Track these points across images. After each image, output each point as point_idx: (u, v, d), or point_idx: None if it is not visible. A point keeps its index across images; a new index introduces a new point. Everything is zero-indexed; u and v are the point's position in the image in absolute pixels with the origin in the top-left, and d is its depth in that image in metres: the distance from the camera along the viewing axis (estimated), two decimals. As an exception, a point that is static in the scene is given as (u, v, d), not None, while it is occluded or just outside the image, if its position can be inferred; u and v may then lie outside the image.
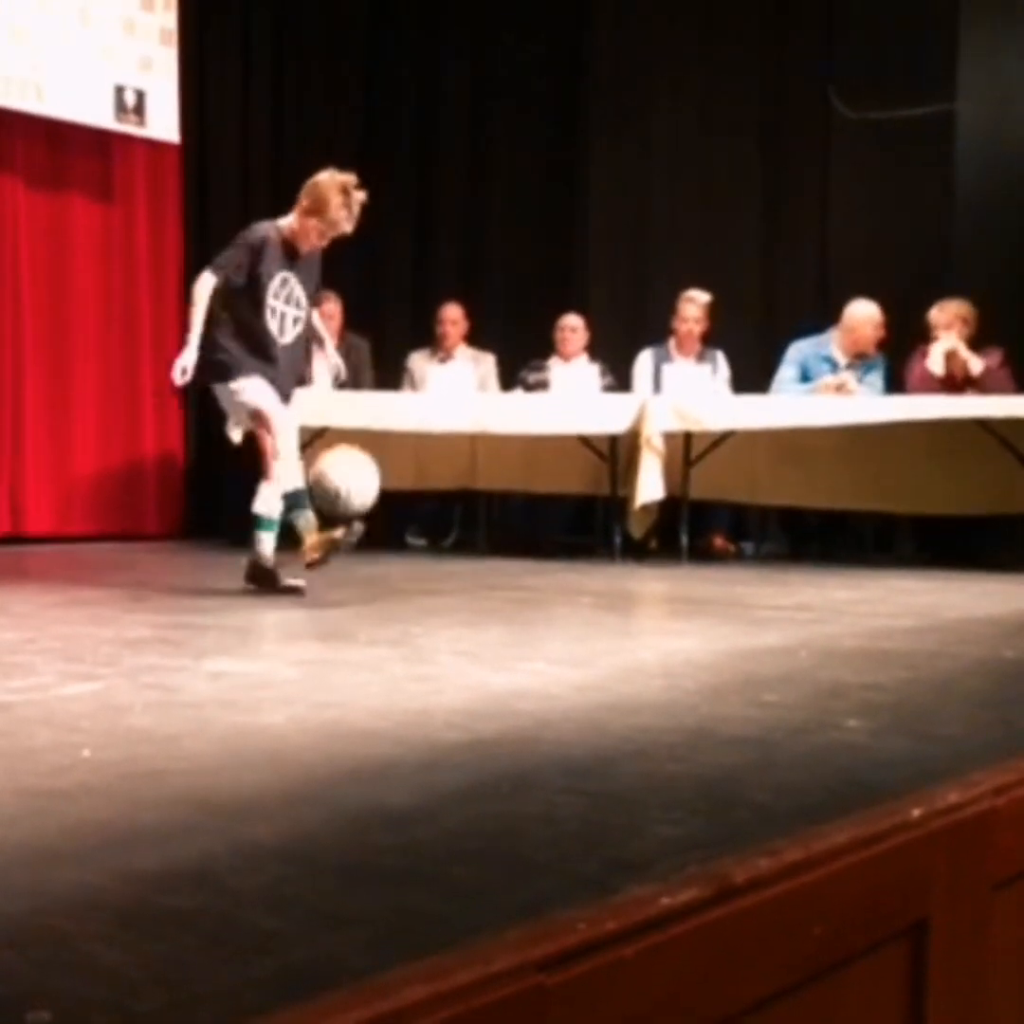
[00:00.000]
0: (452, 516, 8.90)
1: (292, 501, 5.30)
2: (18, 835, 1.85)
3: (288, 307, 5.33)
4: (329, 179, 5.20)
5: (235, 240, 5.31)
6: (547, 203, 9.69)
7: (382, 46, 9.83)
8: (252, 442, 7.87)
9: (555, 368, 8.20)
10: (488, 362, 8.63)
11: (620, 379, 8.18)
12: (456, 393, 7.82)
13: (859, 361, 7.75)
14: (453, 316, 8.65)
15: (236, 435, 7.64)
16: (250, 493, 8.49)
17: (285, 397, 5.39)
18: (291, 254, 5.31)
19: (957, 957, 1.89)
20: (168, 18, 8.54)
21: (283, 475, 5.31)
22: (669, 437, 7.28)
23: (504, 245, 9.72)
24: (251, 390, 5.28)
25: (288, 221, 5.32)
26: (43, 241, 8.14)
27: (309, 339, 5.63)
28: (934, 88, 8.20)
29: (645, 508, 7.38)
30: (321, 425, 7.07)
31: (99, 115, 8.20)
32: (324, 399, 7.39)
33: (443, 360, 8.50)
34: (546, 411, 7.58)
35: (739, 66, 9.05)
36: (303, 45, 9.45)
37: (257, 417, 5.32)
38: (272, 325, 5.28)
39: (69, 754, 2.34)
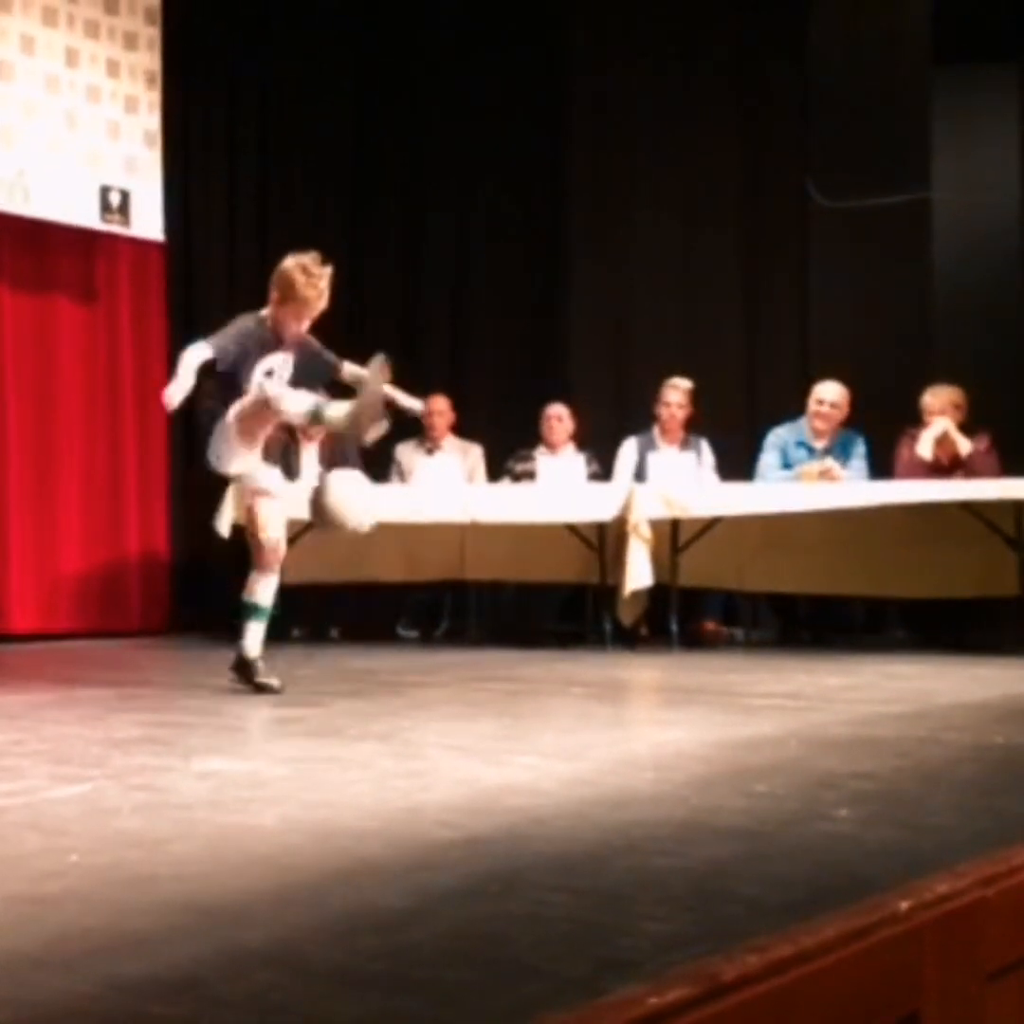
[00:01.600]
0: (442, 607, 8.90)
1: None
2: (5, 943, 1.84)
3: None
4: (291, 263, 5.22)
5: (227, 325, 5.34)
6: (531, 294, 9.77)
7: (367, 143, 9.95)
8: (241, 535, 7.92)
9: (541, 458, 8.24)
10: (475, 453, 8.67)
11: (606, 468, 8.21)
12: (444, 484, 7.85)
13: (831, 443, 7.82)
14: (439, 407, 8.69)
15: (224, 529, 7.68)
16: (236, 587, 8.52)
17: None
18: (278, 342, 5.32)
19: (950, 1051, 1.88)
20: (151, 120, 8.65)
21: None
22: (656, 524, 7.31)
23: (489, 336, 9.79)
24: (249, 471, 5.30)
25: (267, 312, 5.34)
26: (28, 340, 8.19)
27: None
28: (910, 177, 8.32)
29: (635, 595, 7.39)
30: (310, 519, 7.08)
31: (84, 216, 8.29)
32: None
33: (430, 451, 8.53)
34: (534, 501, 7.61)
35: (718, 157, 9.18)
36: (287, 144, 9.55)
37: (255, 495, 5.36)
38: None
39: (57, 859, 2.33)
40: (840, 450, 7.79)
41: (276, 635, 7.70)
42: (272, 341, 5.31)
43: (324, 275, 5.19)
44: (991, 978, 1.99)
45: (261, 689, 5.19)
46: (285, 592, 7.84)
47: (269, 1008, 1.56)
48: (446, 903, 2.04)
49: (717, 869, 2.25)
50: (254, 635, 5.34)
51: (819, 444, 7.85)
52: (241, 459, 5.27)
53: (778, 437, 7.96)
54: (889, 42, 8.63)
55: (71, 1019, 1.52)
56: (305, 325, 5.33)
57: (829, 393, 7.83)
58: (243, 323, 5.32)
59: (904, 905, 1.84)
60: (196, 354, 5.17)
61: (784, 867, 2.26)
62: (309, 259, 5.21)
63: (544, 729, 4.34)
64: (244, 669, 5.28)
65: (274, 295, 5.26)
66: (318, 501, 5.27)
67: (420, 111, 9.99)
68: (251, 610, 5.38)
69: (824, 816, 2.68)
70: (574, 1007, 1.46)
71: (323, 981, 1.67)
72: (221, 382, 5.28)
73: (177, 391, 5.16)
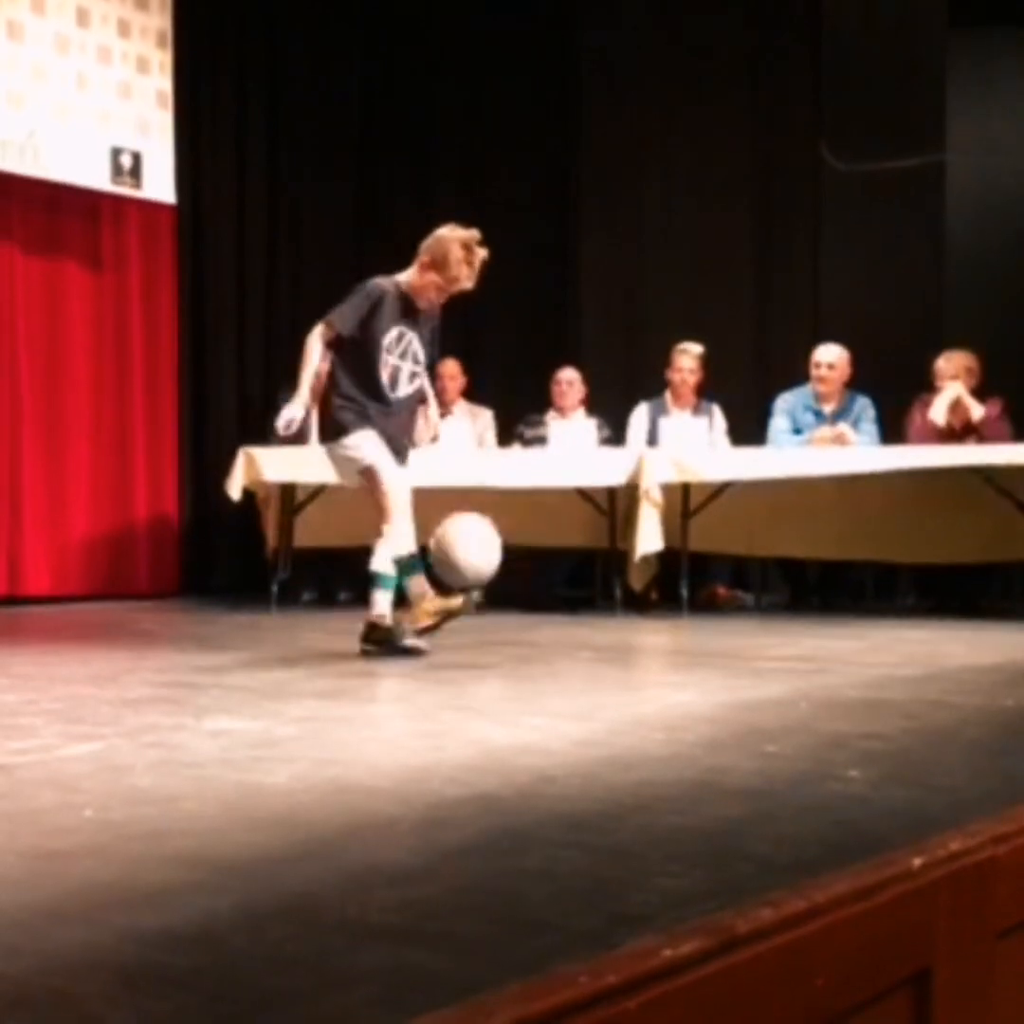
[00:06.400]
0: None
1: (407, 565, 5.16)
2: (21, 896, 1.85)
3: (404, 362, 5.25)
4: (451, 234, 5.15)
5: (351, 294, 5.24)
6: (543, 258, 9.74)
7: (377, 108, 9.91)
8: (251, 500, 7.93)
9: (552, 422, 8.23)
10: (485, 417, 8.66)
11: (617, 433, 8.20)
12: (454, 448, 7.83)
13: (839, 406, 7.81)
14: (450, 371, 8.68)
15: (235, 493, 7.68)
16: (246, 551, 8.55)
17: (399, 455, 5.27)
18: (408, 309, 5.25)
19: (960, 1007, 1.89)
20: (164, 81, 8.63)
21: (397, 537, 5.16)
22: (667, 489, 7.30)
23: (501, 300, 9.75)
24: (365, 446, 5.16)
25: (406, 276, 5.26)
26: (40, 302, 8.19)
27: (420, 399, 5.47)
28: (924, 140, 8.29)
29: (645, 560, 7.39)
30: (321, 482, 7.10)
31: (95, 177, 8.27)
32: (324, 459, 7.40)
33: (441, 416, 8.51)
34: (544, 465, 7.61)
35: (731, 122, 9.13)
36: (297, 105, 9.53)
37: (368, 474, 5.18)
38: (384, 378, 5.20)
39: (71, 815, 2.34)
40: (848, 413, 7.78)
41: (286, 599, 7.77)
42: (403, 307, 5.24)
43: (481, 256, 5.12)
44: (1001, 936, 1.99)
45: (407, 652, 5.09)
46: (295, 556, 7.90)
47: (284, 960, 1.57)
48: (458, 859, 2.05)
49: (728, 827, 2.25)
50: (384, 603, 5.19)
51: (827, 408, 7.84)
52: (365, 434, 5.19)
53: (786, 402, 7.95)
54: (904, 4, 8.58)
55: (88, 970, 1.53)
56: (444, 298, 5.28)
57: (826, 355, 7.83)
58: (376, 286, 5.23)
59: (917, 862, 1.85)
60: (317, 345, 5.11)
61: (794, 826, 2.26)
62: (471, 237, 5.13)
63: (554, 691, 4.34)
64: (383, 638, 5.16)
65: (424, 259, 5.18)
66: (441, 550, 5.17)
67: (431, 75, 9.95)
68: (377, 579, 5.22)
69: (834, 776, 2.68)
70: (588, 959, 1.47)
71: (337, 934, 1.68)
72: (347, 341, 5.19)
73: (295, 415, 5.07)
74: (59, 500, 8.28)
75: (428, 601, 5.11)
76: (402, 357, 5.25)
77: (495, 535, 5.27)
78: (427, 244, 5.21)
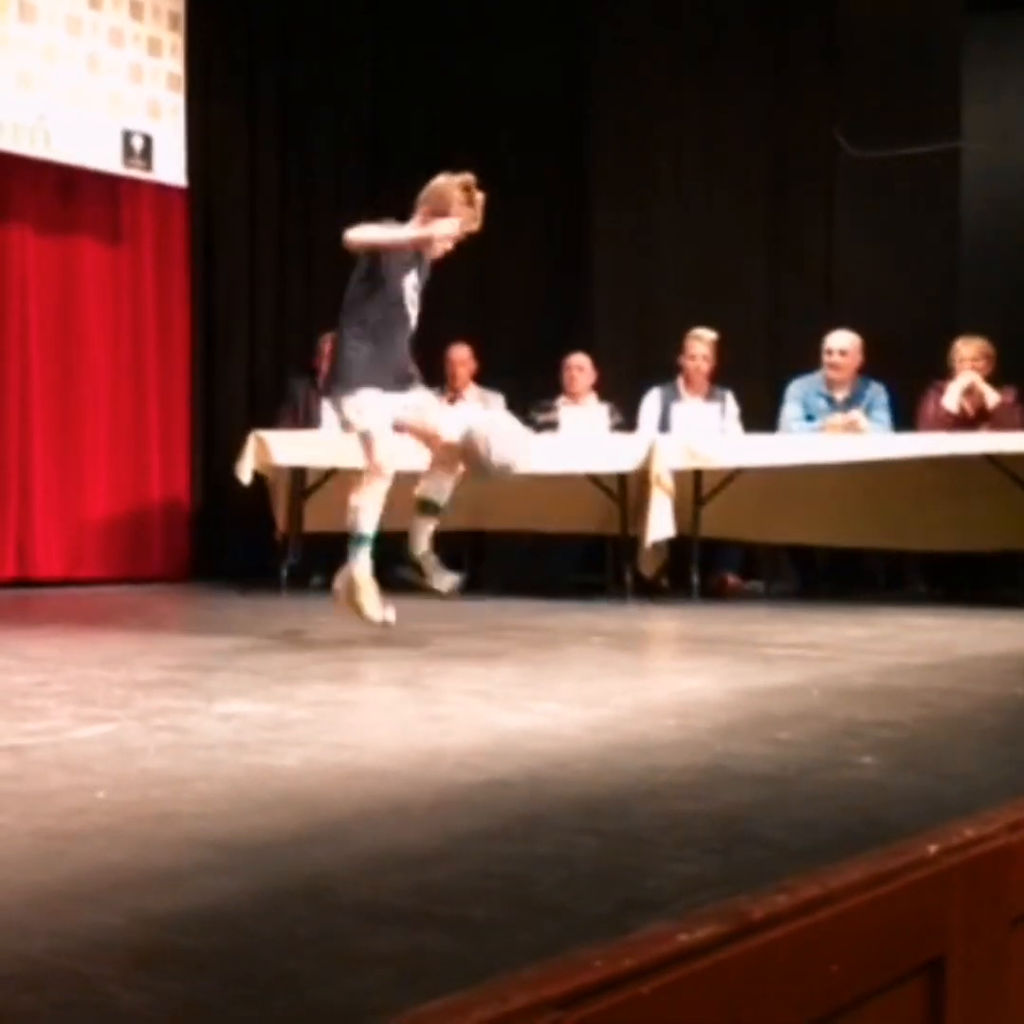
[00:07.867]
0: (461, 557, 8.89)
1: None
2: (34, 877, 1.85)
3: (413, 309, 5.28)
4: (447, 181, 5.17)
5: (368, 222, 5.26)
6: (554, 242, 9.72)
7: (388, 87, 9.89)
8: (261, 484, 7.93)
9: (564, 408, 8.21)
10: (497, 402, 8.64)
11: (628, 418, 8.19)
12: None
13: (851, 393, 7.79)
14: (461, 356, 8.67)
15: (245, 476, 7.68)
16: (256, 535, 8.54)
17: (402, 384, 5.21)
18: (419, 258, 5.28)
19: (974, 994, 1.88)
20: (175, 63, 8.61)
21: (361, 512, 5.12)
22: (679, 476, 7.29)
23: (512, 285, 9.74)
24: (367, 411, 5.10)
25: (413, 225, 5.25)
26: (52, 286, 8.18)
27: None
28: (939, 127, 8.25)
29: (656, 547, 7.38)
30: (331, 465, 7.10)
31: (107, 160, 8.26)
32: (336, 440, 7.40)
33: (452, 400, 8.51)
34: (555, 451, 7.58)
35: (743, 106, 9.10)
36: (309, 88, 9.51)
37: (363, 440, 5.12)
38: (398, 320, 5.21)
39: (83, 796, 2.34)
40: (860, 399, 7.76)
41: (296, 582, 7.77)
42: (415, 256, 5.25)
43: (480, 198, 5.14)
44: (1016, 923, 1.99)
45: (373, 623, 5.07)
46: (305, 540, 7.89)
47: (297, 942, 1.57)
48: (470, 843, 2.05)
49: (741, 814, 2.25)
50: (360, 562, 5.17)
51: (839, 394, 7.83)
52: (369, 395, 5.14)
53: (798, 389, 7.94)
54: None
55: (101, 951, 1.53)
56: (450, 244, 5.26)
57: (837, 342, 7.83)
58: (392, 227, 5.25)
59: (931, 849, 1.84)
60: (369, 226, 5.15)
61: (808, 812, 2.26)
62: (468, 180, 5.15)
63: (565, 677, 4.34)
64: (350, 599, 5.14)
65: (425, 210, 5.19)
66: (473, 447, 5.08)
67: (442, 58, 9.93)
68: (353, 538, 5.22)
69: (848, 763, 2.67)
70: (600, 944, 1.47)
71: (350, 916, 1.68)
72: (363, 290, 5.17)
73: (443, 230, 5.09)
74: (70, 483, 8.28)
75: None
76: (412, 305, 5.28)
77: (525, 433, 5.25)
78: (425, 195, 5.23)
